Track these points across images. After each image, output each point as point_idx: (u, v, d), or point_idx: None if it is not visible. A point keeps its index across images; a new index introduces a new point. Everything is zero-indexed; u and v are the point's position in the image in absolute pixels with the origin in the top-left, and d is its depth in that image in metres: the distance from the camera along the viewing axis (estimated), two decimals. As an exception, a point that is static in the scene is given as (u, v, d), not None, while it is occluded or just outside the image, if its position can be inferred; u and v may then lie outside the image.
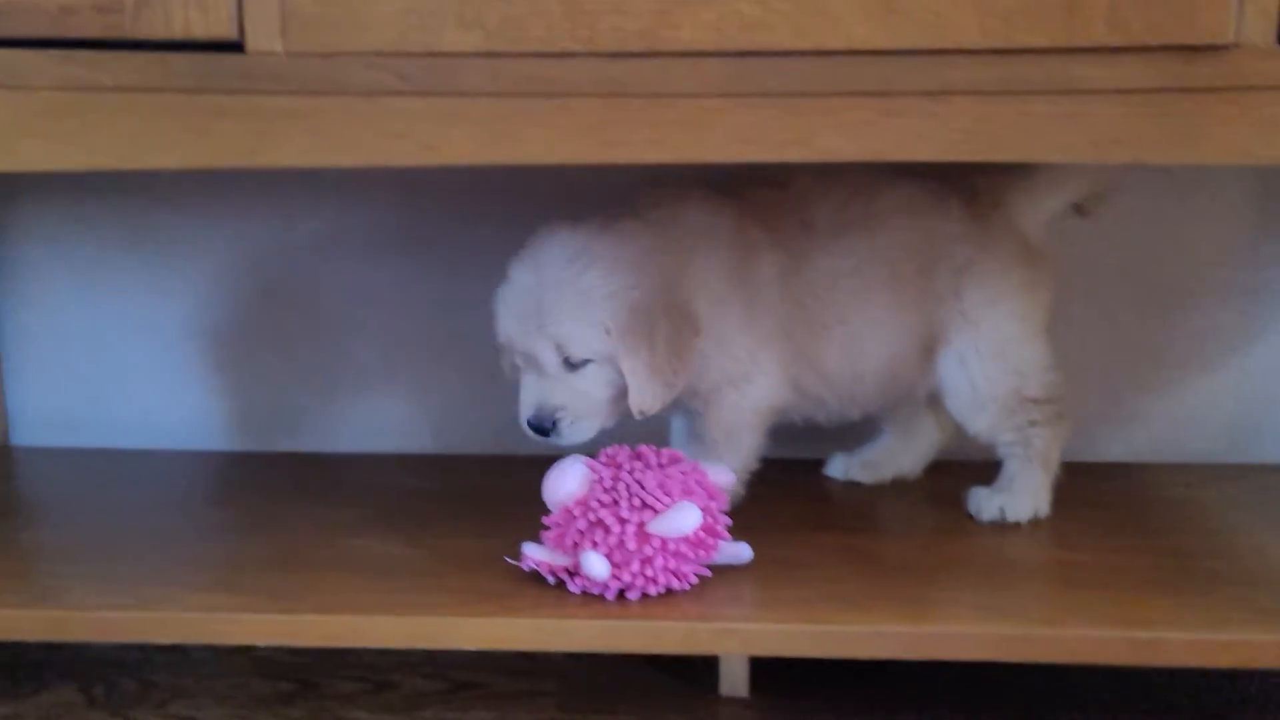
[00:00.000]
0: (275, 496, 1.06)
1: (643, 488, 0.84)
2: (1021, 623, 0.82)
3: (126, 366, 1.25)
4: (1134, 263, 1.18)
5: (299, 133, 0.71)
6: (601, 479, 0.86)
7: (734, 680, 0.99)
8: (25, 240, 1.25)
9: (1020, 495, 1.00)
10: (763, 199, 0.99)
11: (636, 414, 0.92)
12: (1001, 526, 0.99)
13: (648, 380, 0.90)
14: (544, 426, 0.92)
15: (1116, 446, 1.22)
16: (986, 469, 1.08)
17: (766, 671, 1.01)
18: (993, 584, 0.88)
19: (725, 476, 0.91)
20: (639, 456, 0.88)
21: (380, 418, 1.23)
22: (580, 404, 0.92)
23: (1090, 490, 1.09)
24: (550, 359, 0.91)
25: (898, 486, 1.09)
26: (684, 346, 0.91)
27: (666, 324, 0.90)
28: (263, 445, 1.23)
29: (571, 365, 0.91)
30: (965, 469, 1.13)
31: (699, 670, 1.01)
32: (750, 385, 0.97)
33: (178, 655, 1.06)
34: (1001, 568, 0.91)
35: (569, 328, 0.90)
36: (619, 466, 0.87)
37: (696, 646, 0.83)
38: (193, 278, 1.23)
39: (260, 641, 0.84)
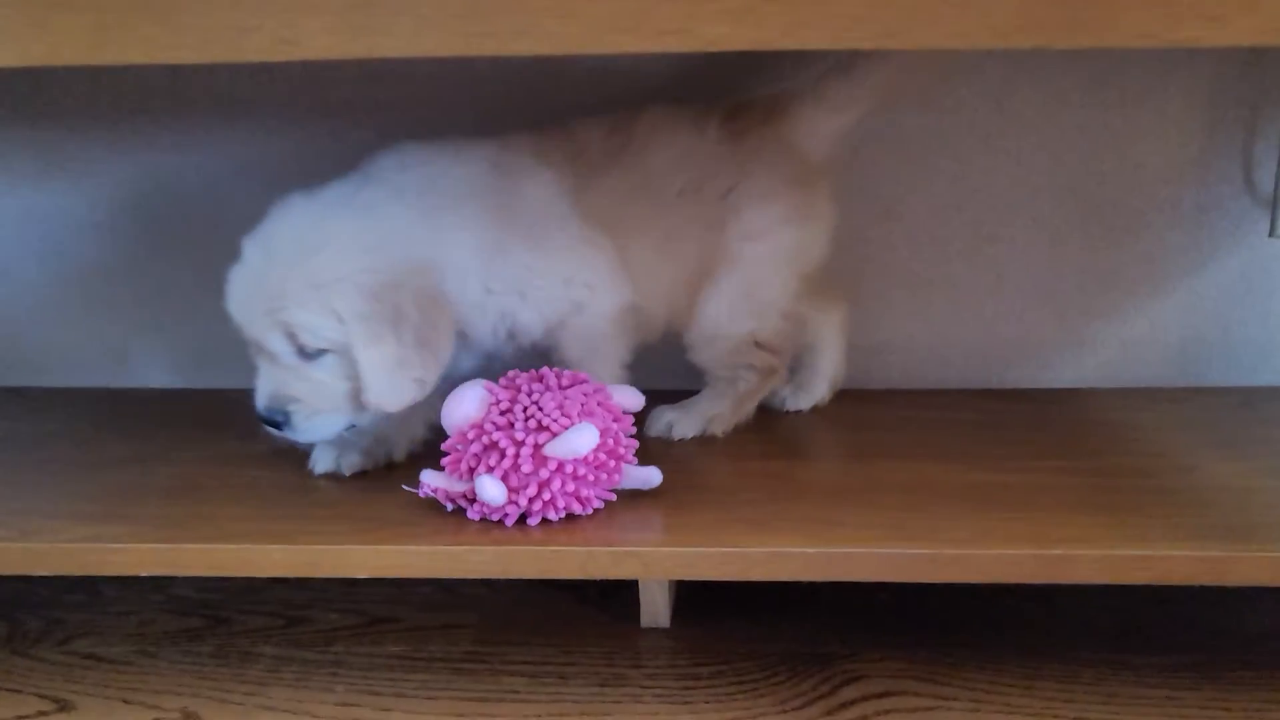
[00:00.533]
0: (177, 430, 1.03)
1: (540, 409, 0.81)
2: (931, 543, 0.78)
3: (39, 301, 1.22)
4: (1080, 181, 1.14)
5: (144, 26, 0.66)
6: (499, 401, 0.82)
7: (654, 611, 0.96)
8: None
9: (694, 416, 0.99)
10: (527, 135, 0.93)
11: (374, 410, 0.85)
12: (925, 452, 0.96)
13: (390, 376, 0.82)
14: (275, 420, 0.85)
15: (1066, 372, 1.19)
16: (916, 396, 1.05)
17: (689, 603, 0.98)
18: (907, 506, 0.85)
19: (634, 399, 0.88)
20: (540, 378, 0.85)
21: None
22: (318, 397, 0.84)
23: (1031, 415, 1.07)
24: (282, 348, 0.83)
25: (818, 412, 1.06)
26: (435, 336, 0.83)
27: (415, 310, 0.82)
28: (180, 382, 1.20)
29: (307, 355, 0.84)
30: (892, 396, 1.11)
31: (621, 602, 0.98)
32: (587, 306, 0.92)
33: (89, 594, 1.04)
34: (920, 490, 0.87)
35: (299, 315, 0.81)
36: (518, 389, 0.83)
37: (596, 572, 0.79)
38: (107, 210, 1.19)
39: (145, 572, 0.81)
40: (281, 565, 0.81)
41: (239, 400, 1.11)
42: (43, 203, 1.19)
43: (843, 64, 0.96)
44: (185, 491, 0.90)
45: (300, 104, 1.13)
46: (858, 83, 0.96)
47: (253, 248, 0.84)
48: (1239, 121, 1.12)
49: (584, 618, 0.98)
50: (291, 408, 0.85)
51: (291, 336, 0.83)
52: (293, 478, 0.92)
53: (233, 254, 1.16)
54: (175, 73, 1.13)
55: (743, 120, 0.97)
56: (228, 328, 1.18)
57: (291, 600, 1.02)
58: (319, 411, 0.85)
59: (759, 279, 0.97)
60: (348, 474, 0.91)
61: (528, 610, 1.00)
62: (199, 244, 1.18)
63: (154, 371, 1.21)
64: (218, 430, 1.03)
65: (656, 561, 0.79)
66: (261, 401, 0.85)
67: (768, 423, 1.04)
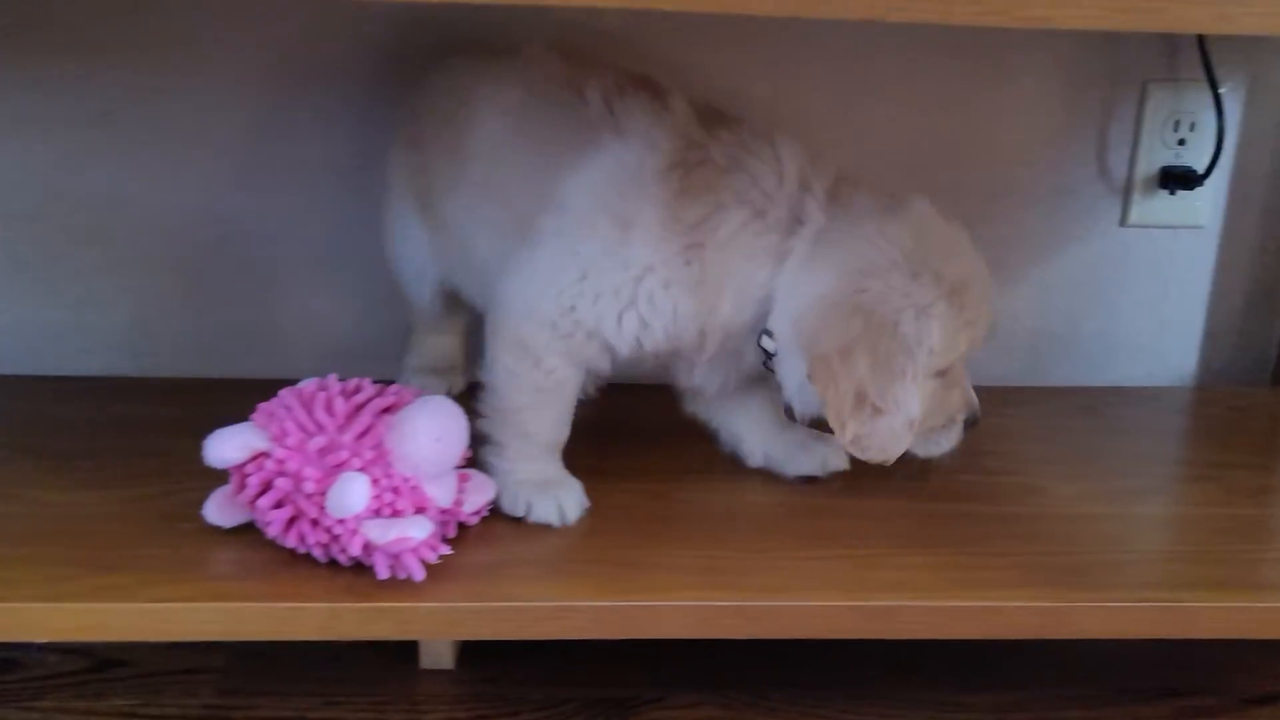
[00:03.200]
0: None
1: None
2: (740, 592, 0.68)
3: None
4: (934, 161, 1.04)
5: None
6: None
7: (437, 651, 0.84)
8: None
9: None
10: None
11: None
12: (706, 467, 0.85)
13: None
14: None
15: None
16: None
17: (477, 640, 0.86)
18: (712, 541, 0.74)
19: None
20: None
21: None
22: None
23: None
24: None
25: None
26: None
27: None
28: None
29: None
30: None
31: (396, 641, 0.85)
32: None
33: None
34: (726, 519, 0.77)
35: None
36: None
37: (341, 632, 0.66)
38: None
39: None
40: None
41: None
42: None
43: None
44: None
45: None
46: None
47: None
48: (1095, 102, 1.04)
49: (355, 658, 0.85)
50: None
51: None
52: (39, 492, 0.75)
53: None
54: None
55: None
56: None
57: (2, 638, 0.85)
58: None
59: None
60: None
61: (287, 650, 0.85)
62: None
63: None
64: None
65: (415, 620, 0.66)
66: (975, 407, 0.79)
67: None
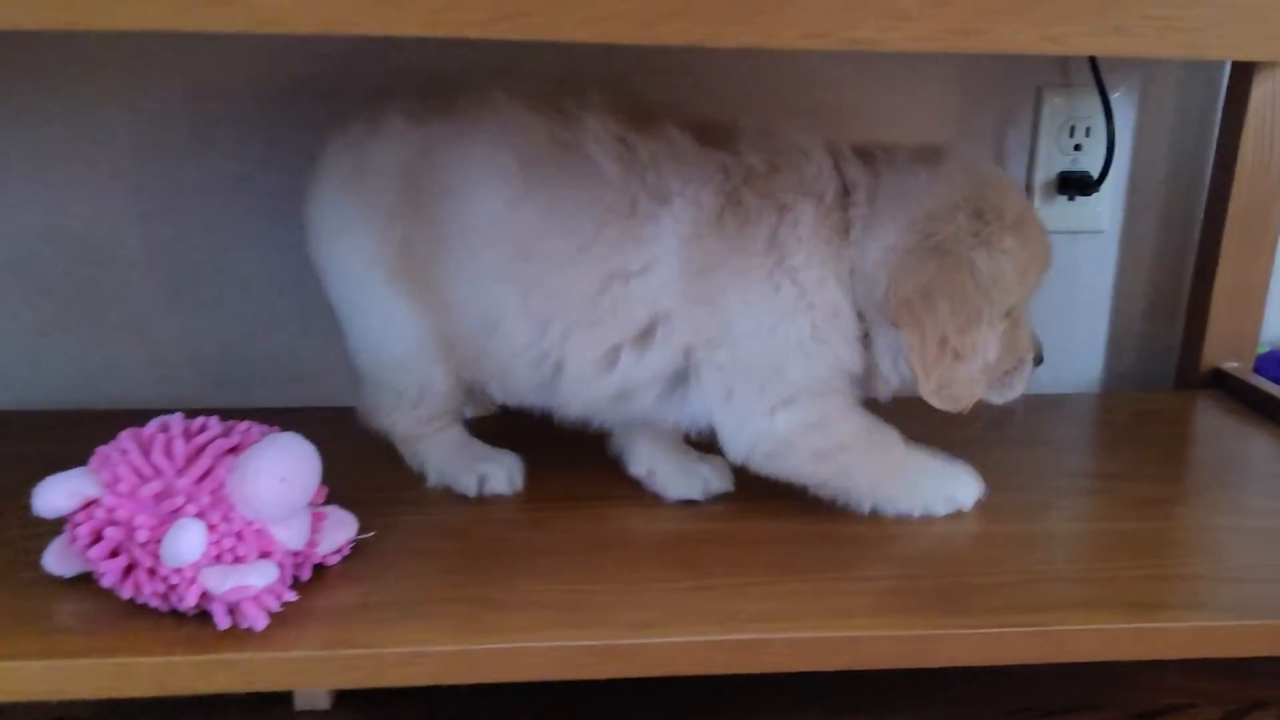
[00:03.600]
0: None
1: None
2: (603, 629, 0.66)
3: None
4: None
5: None
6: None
7: (312, 693, 0.81)
8: None
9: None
10: None
11: None
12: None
13: None
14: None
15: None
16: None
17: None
18: (576, 573, 0.72)
19: None
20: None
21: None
22: None
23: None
24: None
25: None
26: None
27: None
28: None
29: None
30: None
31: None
32: None
33: None
34: (591, 548, 0.74)
35: None
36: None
37: (174, 688, 0.63)
38: None
39: None
40: None
41: None
42: None
43: None
44: None
45: None
46: None
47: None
48: (992, 108, 1.03)
49: (228, 701, 0.82)
50: None
51: None
52: None
53: None
54: None
55: None
56: None
57: None
58: None
59: None
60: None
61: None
62: None
63: None
64: None
65: (256, 672, 0.63)
66: (1040, 346, 0.80)
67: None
